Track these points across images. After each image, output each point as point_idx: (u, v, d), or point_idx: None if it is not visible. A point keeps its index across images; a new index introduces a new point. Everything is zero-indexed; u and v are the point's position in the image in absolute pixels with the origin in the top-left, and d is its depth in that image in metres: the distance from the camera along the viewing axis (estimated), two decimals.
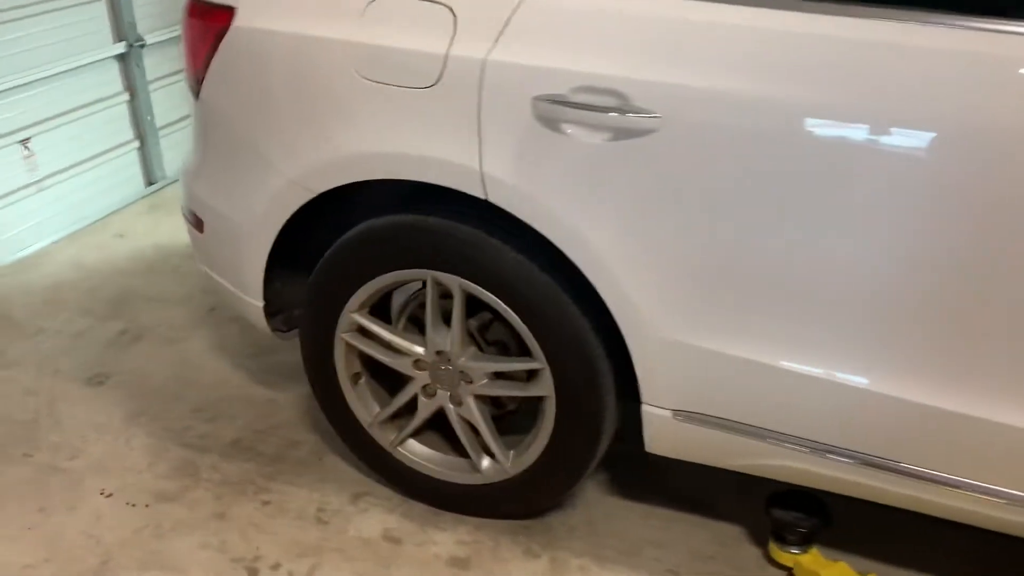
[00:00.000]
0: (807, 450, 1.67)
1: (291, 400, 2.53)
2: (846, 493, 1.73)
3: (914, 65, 1.37)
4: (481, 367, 1.91)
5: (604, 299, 1.67)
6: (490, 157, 1.64)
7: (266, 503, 2.15)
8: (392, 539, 2.05)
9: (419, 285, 1.94)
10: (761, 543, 2.03)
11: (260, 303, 2.08)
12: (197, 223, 2.13)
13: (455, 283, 1.82)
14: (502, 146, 1.62)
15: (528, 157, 1.61)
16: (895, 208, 1.41)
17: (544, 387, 1.84)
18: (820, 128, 1.43)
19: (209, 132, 2.01)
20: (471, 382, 1.93)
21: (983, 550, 2.00)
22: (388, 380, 2.16)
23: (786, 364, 1.60)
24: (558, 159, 1.59)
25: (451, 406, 1.99)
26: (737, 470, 1.81)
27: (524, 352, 1.90)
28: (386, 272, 1.88)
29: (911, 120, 1.38)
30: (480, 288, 1.79)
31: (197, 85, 1.98)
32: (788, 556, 1.94)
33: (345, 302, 1.95)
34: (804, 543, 1.93)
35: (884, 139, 1.40)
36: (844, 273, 1.50)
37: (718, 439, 1.73)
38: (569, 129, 1.56)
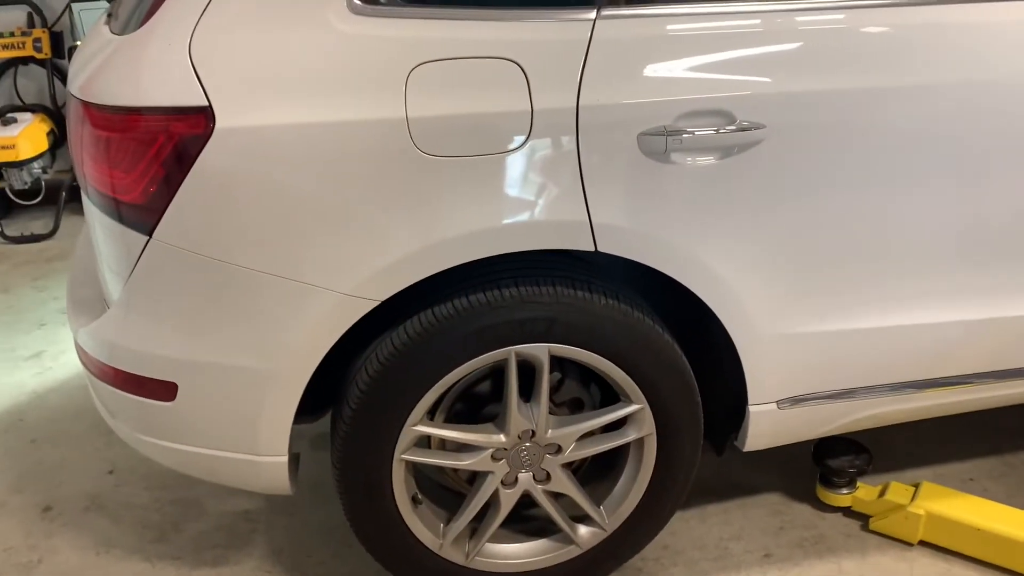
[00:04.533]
0: (891, 393, 1.87)
1: (259, 559, 2.07)
2: (905, 420, 1.97)
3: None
4: (572, 432, 1.78)
5: (720, 316, 1.68)
6: (599, 205, 1.54)
7: None
8: None
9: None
10: (805, 497, 2.19)
11: (284, 457, 1.68)
12: (162, 391, 1.64)
13: (543, 352, 1.67)
14: (611, 191, 1.54)
15: (640, 195, 1.55)
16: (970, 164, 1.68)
17: (643, 428, 1.79)
18: (896, 106, 1.61)
19: (178, 276, 1.54)
20: (558, 452, 1.79)
21: (986, 432, 2.44)
22: (433, 491, 1.91)
23: (888, 322, 1.78)
24: (670, 189, 1.56)
25: (538, 486, 1.82)
26: (818, 437, 1.94)
27: (604, 403, 1.84)
28: (459, 365, 1.65)
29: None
30: (574, 348, 1.68)
31: (142, 221, 1.52)
32: (843, 497, 2.13)
33: (407, 415, 1.67)
34: (853, 482, 2.13)
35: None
36: (940, 226, 1.73)
37: (812, 414, 1.85)
38: (679, 157, 1.54)
